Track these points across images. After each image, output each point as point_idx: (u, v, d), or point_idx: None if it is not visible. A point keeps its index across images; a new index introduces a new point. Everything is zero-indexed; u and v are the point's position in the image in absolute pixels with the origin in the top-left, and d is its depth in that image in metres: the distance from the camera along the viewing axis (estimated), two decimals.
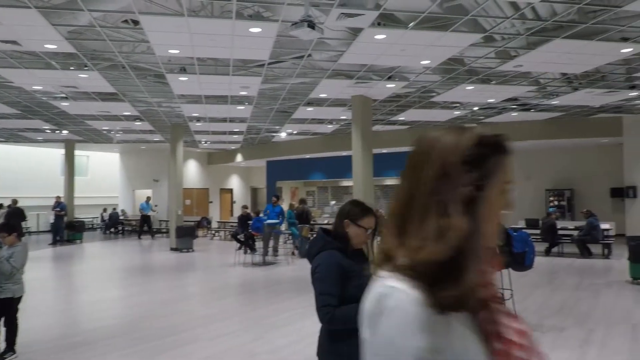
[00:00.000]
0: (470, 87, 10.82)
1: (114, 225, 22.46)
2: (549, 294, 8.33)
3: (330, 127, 17.07)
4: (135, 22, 6.91)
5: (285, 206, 15.16)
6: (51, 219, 18.42)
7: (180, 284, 10.22)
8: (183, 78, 9.88)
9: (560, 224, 13.48)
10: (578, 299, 7.92)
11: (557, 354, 5.17)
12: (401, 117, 14.96)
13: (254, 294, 9.20)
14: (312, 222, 14.66)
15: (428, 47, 7.88)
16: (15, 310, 5.17)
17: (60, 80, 10.01)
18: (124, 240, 19.85)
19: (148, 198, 20.59)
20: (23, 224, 19.76)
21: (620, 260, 11.19)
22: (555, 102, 12.46)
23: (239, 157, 23.87)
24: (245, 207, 14.86)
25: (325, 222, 17.03)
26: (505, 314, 0.97)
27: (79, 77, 9.75)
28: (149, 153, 23.29)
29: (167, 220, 18.67)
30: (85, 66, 9.02)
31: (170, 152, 16.58)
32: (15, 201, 16.93)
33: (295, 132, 18.35)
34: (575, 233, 12.97)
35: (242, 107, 13.09)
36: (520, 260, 6.07)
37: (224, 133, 18.34)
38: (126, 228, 22.69)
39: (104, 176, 25.50)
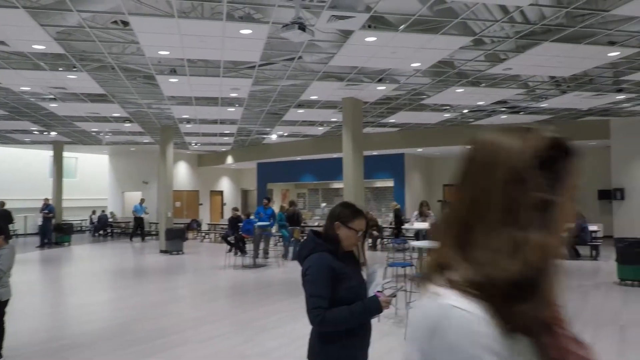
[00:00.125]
0: (460, 90, 10.89)
1: (103, 227, 22.28)
2: None
3: (321, 129, 17.08)
4: (125, 23, 6.86)
5: (276, 208, 15.14)
6: (39, 221, 18.22)
7: (170, 287, 10.16)
8: (173, 79, 9.84)
9: None
10: (566, 300, 7.96)
11: None
12: (392, 120, 15.02)
13: (245, 296, 9.16)
14: (302, 225, 14.66)
15: (418, 49, 7.92)
16: (2, 313, 5.11)
17: (48, 81, 9.92)
18: (113, 243, 19.69)
19: (142, 200, 20.43)
20: (10, 226, 19.57)
21: (608, 262, 11.30)
22: (544, 105, 12.57)
23: (229, 159, 23.81)
24: (235, 209, 14.81)
25: (316, 224, 17.04)
26: (571, 339, 0.88)
27: (68, 78, 9.67)
28: (139, 155, 23.16)
29: (157, 223, 18.55)
30: (74, 67, 8.95)
31: (160, 154, 16.50)
32: (2, 203, 16.71)
33: (286, 134, 18.34)
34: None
35: (232, 109, 13.06)
36: None
37: (215, 135, 18.28)
38: (115, 230, 22.52)
39: (93, 178, 25.30)
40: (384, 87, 10.68)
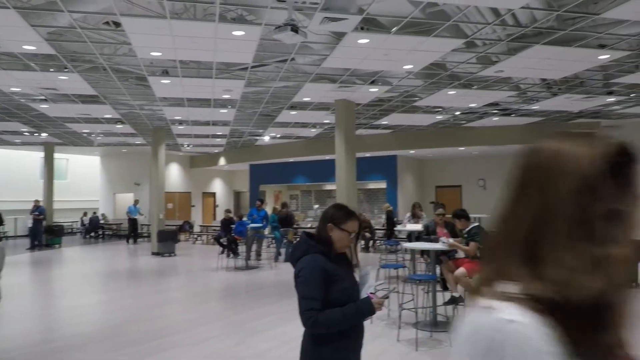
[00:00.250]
0: (452, 92, 10.93)
1: (94, 229, 22.12)
2: None
3: (313, 131, 17.09)
4: (117, 24, 6.83)
5: (269, 210, 15.12)
6: (29, 223, 18.06)
7: (162, 289, 10.11)
8: (165, 81, 9.81)
9: None
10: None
11: None
12: (384, 121, 15.05)
13: (237, 298, 9.14)
14: (295, 226, 14.65)
15: (411, 52, 7.95)
16: None
17: (39, 82, 9.85)
18: (105, 245, 19.57)
19: (136, 201, 20.32)
20: (0, 228, 19.43)
21: None
22: (535, 107, 12.66)
23: (221, 161, 23.74)
24: (228, 211, 14.78)
25: (309, 225, 17.03)
26: None
27: (59, 79, 9.60)
28: (131, 156, 23.04)
29: (149, 224, 18.46)
30: (65, 68, 8.89)
31: (152, 156, 16.42)
32: None
33: (278, 135, 18.32)
34: None
35: (225, 111, 13.03)
36: None
37: (207, 136, 18.22)
38: (107, 232, 22.38)
39: (84, 180, 25.13)
40: (376, 89, 10.70)
